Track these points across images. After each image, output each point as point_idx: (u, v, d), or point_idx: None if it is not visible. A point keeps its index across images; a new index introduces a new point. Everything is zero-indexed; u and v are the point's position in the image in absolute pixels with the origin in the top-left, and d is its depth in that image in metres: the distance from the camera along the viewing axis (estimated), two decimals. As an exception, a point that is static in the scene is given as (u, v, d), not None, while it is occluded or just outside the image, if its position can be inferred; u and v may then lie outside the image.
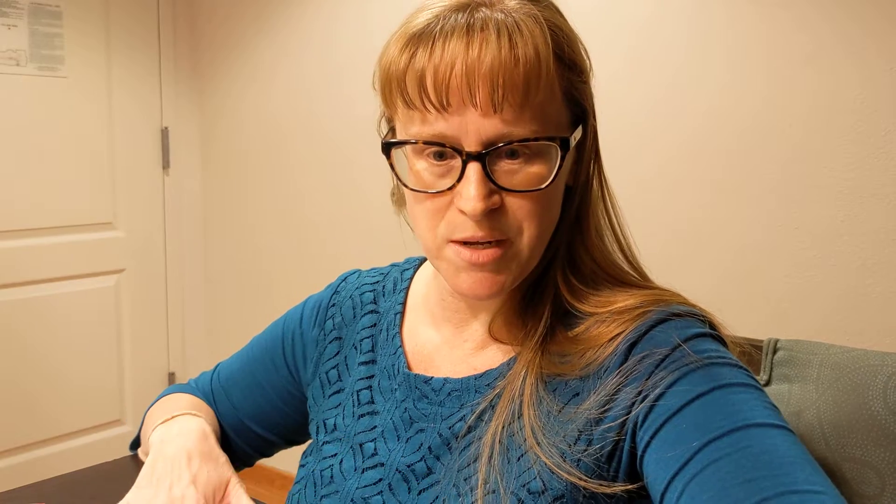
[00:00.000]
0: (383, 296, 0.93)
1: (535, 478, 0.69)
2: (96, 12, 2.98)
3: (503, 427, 0.73)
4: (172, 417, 0.94)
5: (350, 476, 0.81)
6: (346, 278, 0.99)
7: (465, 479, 0.73)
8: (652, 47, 2.03)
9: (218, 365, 1.06)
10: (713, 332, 0.73)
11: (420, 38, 0.69)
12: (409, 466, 0.78)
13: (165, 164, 3.22)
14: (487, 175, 0.69)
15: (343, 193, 2.79)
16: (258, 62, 3.04)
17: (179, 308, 3.31)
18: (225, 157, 3.22)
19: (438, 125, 0.69)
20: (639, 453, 0.67)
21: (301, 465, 0.89)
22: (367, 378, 0.87)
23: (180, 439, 0.89)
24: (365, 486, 0.80)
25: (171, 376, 3.27)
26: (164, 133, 3.20)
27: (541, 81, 0.68)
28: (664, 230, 2.02)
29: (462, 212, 0.70)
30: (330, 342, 0.93)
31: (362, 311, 0.92)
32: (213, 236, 3.31)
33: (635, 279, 0.80)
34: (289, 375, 0.98)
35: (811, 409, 0.85)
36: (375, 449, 0.82)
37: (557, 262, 0.78)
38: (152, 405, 1.04)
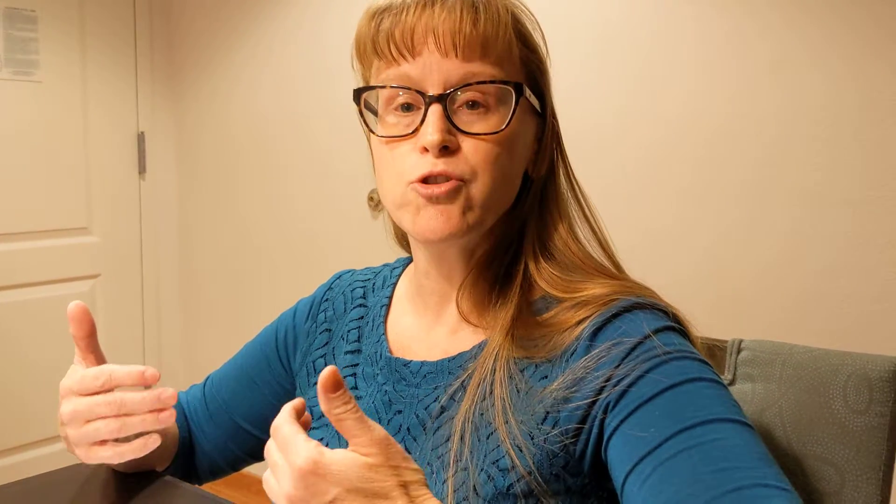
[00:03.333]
0: (372, 291, 0.97)
1: (504, 455, 0.72)
2: (72, 17, 2.97)
3: (474, 406, 0.76)
4: None
5: None
6: (340, 276, 1.04)
7: (438, 458, 0.76)
8: (619, 53, 2.06)
9: (209, 376, 1.09)
10: (678, 327, 0.76)
11: (386, 10, 0.78)
12: None
13: (141, 169, 3.21)
14: (447, 116, 0.75)
15: (321, 199, 2.80)
16: (235, 67, 3.04)
17: (155, 314, 3.30)
18: (201, 162, 3.22)
19: (405, 68, 0.76)
20: (605, 436, 0.70)
21: None
22: (352, 366, 0.91)
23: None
24: None
25: (147, 382, 3.25)
26: (141, 138, 3.19)
27: (499, 39, 0.76)
28: (630, 233, 2.05)
29: (423, 149, 0.75)
30: (320, 333, 0.97)
31: (352, 305, 0.97)
32: (190, 242, 3.30)
33: (609, 269, 0.83)
34: (281, 369, 1.01)
35: (774, 407, 0.87)
36: None
37: (528, 247, 0.82)
38: None
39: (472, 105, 0.76)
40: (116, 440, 0.80)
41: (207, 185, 3.21)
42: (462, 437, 0.74)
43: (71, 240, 3.03)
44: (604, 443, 0.70)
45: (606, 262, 0.84)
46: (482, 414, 0.75)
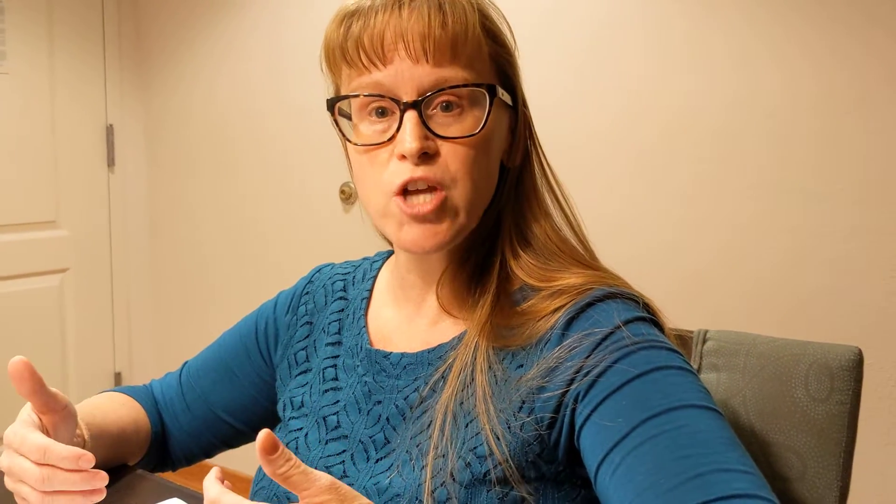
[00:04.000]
0: (353, 284, 0.98)
1: (482, 443, 0.73)
2: (39, 7, 2.93)
3: (454, 396, 0.77)
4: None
5: (314, 447, 0.86)
6: (320, 269, 1.05)
7: (417, 446, 0.77)
8: (574, 41, 2.07)
9: (185, 363, 1.08)
10: (650, 317, 0.77)
11: (354, 14, 0.78)
12: (370, 438, 0.82)
13: (110, 162, 3.18)
14: (423, 122, 0.76)
15: (290, 193, 2.79)
16: (205, 58, 3.01)
17: (125, 307, 3.27)
18: (171, 154, 3.19)
19: (377, 76, 0.77)
20: (577, 426, 0.72)
21: None
22: (332, 357, 0.92)
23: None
24: (328, 456, 0.84)
25: (118, 377, 3.23)
26: (109, 130, 3.16)
27: (468, 39, 0.76)
28: (588, 223, 2.06)
29: (401, 157, 0.76)
30: (301, 326, 0.98)
31: (333, 298, 0.98)
32: (159, 235, 3.28)
33: (584, 258, 0.85)
34: (261, 361, 1.01)
35: (738, 396, 0.89)
36: (339, 422, 0.86)
37: (505, 237, 0.83)
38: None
39: (447, 107, 0.77)
40: None
41: (177, 178, 3.18)
42: (441, 426, 0.76)
43: (39, 233, 2.99)
44: (576, 432, 0.72)
45: (580, 249, 0.86)
46: (462, 403, 0.76)
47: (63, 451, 0.75)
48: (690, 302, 1.96)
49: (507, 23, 0.84)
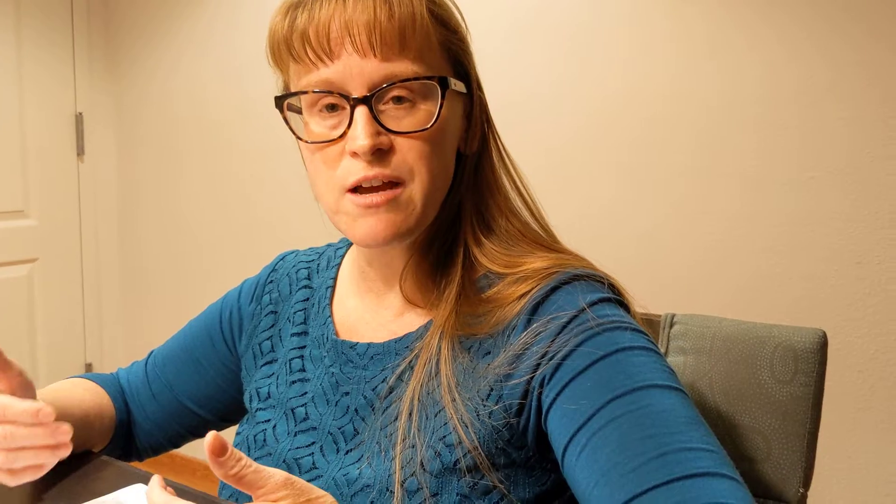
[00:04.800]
0: (317, 272, 0.97)
1: (451, 431, 0.73)
2: (5, -7, 2.89)
3: (421, 385, 0.77)
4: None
5: (283, 439, 0.85)
6: (284, 257, 1.03)
7: (387, 437, 0.77)
8: (558, 33, 2.08)
9: (151, 352, 1.08)
10: (616, 297, 0.77)
11: (299, 5, 0.75)
12: (339, 429, 0.82)
13: (80, 151, 3.14)
14: (375, 118, 0.74)
15: (262, 182, 2.77)
16: (176, 47, 2.98)
17: (95, 297, 3.23)
18: (141, 143, 3.16)
19: (324, 73, 0.74)
20: (544, 410, 0.72)
21: (237, 434, 0.92)
22: (299, 348, 0.91)
23: None
24: (297, 448, 0.83)
25: (88, 367, 3.19)
26: (79, 118, 3.12)
27: (416, 29, 0.74)
28: (568, 212, 2.07)
29: (354, 154, 0.74)
30: (265, 315, 0.97)
31: (297, 287, 0.97)
32: (129, 224, 3.25)
33: (546, 240, 0.84)
34: (226, 350, 1.01)
35: (704, 379, 0.89)
36: (307, 413, 0.85)
37: (467, 225, 0.82)
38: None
39: (399, 100, 0.75)
40: (11, 469, 0.78)
41: (148, 167, 3.15)
42: (410, 416, 0.75)
43: (7, 223, 2.95)
44: (543, 417, 0.72)
45: (542, 233, 0.85)
46: (430, 393, 0.76)
47: (21, 405, 0.75)
48: (668, 292, 1.97)
49: (457, 5, 0.82)
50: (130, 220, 3.24)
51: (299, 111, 0.80)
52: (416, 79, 0.74)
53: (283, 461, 0.83)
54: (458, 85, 0.79)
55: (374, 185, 0.75)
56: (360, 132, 0.73)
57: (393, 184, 0.75)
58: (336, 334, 0.88)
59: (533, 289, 0.76)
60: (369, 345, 0.84)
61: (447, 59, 0.79)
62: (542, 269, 0.78)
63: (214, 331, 1.02)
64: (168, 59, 3.01)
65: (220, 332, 1.01)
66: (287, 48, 0.76)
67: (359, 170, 0.74)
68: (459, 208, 0.83)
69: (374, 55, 0.73)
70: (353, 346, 0.85)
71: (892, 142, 1.69)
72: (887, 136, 1.69)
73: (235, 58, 2.80)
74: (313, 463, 0.81)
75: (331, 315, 0.90)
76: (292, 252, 1.04)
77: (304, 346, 0.91)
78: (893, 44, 1.68)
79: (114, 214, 3.27)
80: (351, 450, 0.80)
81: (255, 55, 2.73)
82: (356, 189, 0.75)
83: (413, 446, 0.74)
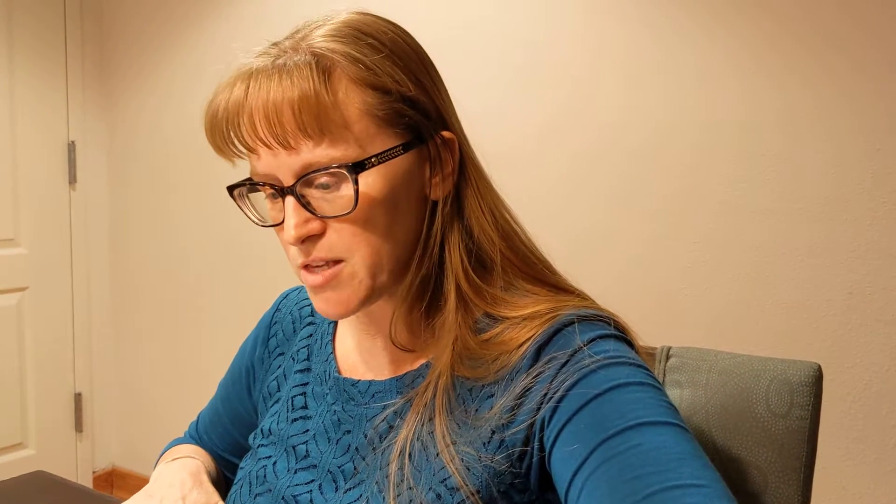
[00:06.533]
0: None
1: (452, 474, 0.72)
2: (-1, 23, 2.90)
3: (422, 425, 0.76)
4: (174, 459, 0.99)
5: (283, 476, 0.85)
6: (286, 296, 1.03)
7: (386, 477, 0.76)
8: (550, 64, 2.10)
9: (199, 413, 1.11)
10: (617, 334, 0.76)
11: (210, 112, 0.78)
12: (339, 467, 0.81)
13: (72, 179, 3.14)
14: (303, 205, 0.73)
15: (257, 209, 2.77)
16: (169, 77, 2.99)
17: (86, 327, 3.21)
18: (134, 172, 3.16)
19: (257, 165, 0.75)
20: (546, 452, 0.71)
21: (240, 468, 0.92)
22: (301, 385, 0.91)
23: (177, 469, 0.94)
24: (296, 485, 0.83)
25: (78, 397, 3.17)
26: (71, 147, 3.12)
27: (322, 113, 0.71)
28: (560, 240, 2.08)
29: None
30: (274, 358, 0.98)
31: (301, 325, 0.97)
32: (121, 254, 3.24)
33: (548, 276, 0.83)
34: (250, 403, 1.02)
35: (700, 412, 0.90)
36: (308, 451, 0.85)
37: (456, 267, 0.79)
38: (158, 458, 1.08)
39: (324, 185, 0.73)
40: None
41: (141, 196, 3.15)
42: (409, 456, 0.75)
43: (-3, 251, 2.94)
44: (546, 459, 0.71)
45: (541, 267, 0.83)
46: (431, 433, 0.75)
47: None
48: (655, 319, 1.98)
49: (406, 44, 0.78)
50: (122, 248, 3.23)
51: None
52: (324, 169, 0.71)
53: (283, 497, 0.83)
54: (392, 153, 0.74)
55: (317, 264, 0.75)
56: (288, 223, 0.73)
57: (334, 262, 0.75)
58: (338, 371, 0.88)
59: (537, 332, 0.75)
60: (371, 382, 0.84)
61: (382, 122, 0.74)
62: (544, 311, 0.76)
63: (242, 388, 1.03)
64: (161, 88, 3.02)
65: (246, 388, 1.02)
66: (217, 149, 0.78)
67: (300, 255, 0.76)
68: (443, 252, 0.80)
69: (285, 148, 0.72)
70: (355, 383, 0.85)
71: (879, 173, 1.70)
72: (873, 169, 1.71)
73: (229, 87, 2.81)
74: (311, 500, 0.81)
75: (333, 352, 0.90)
76: (295, 289, 1.03)
77: (307, 383, 0.90)
78: (876, 75, 1.70)
79: (105, 243, 3.26)
80: (350, 488, 0.79)
81: (248, 85, 2.74)
82: (307, 265, 0.76)
83: (412, 488, 0.73)
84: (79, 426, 3.19)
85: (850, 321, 1.75)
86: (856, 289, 1.74)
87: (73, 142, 3.12)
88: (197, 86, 2.91)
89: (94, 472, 3.25)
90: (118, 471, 3.29)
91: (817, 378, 0.86)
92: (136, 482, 3.20)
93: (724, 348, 0.94)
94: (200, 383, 2.95)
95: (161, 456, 1.08)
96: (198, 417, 1.11)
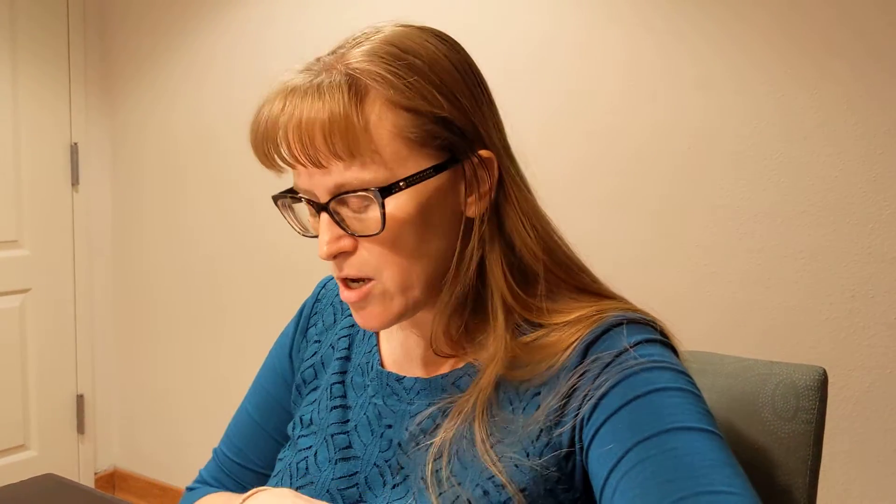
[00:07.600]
0: None
1: (500, 472, 0.73)
2: (2, 25, 2.89)
3: (467, 425, 0.76)
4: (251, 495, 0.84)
5: (325, 467, 0.85)
6: (325, 284, 1.02)
7: (431, 474, 0.76)
8: (547, 68, 2.10)
9: (223, 439, 1.04)
10: (663, 339, 0.77)
11: (254, 127, 0.79)
12: (385, 462, 0.82)
13: (75, 181, 3.14)
14: (337, 222, 0.75)
15: (256, 213, 2.77)
16: (172, 79, 3.00)
17: (88, 329, 3.22)
18: (137, 174, 3.16)
19: (298, 180, 0.77)
20: (585, 450, 0.72)
21: (279, 460, 0.91)
22: (340, 373, 0.91)
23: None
24: (340, 478, 0.83)
25: (80, 399, 3.17)
26: (74, 149, 3.12)
27: (356, 136, 0.71)
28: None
29: None
30: (310, 345, 0.97)
31: (343, 315, 0.97)
32: (123, 256, 3.24)
33: (591, 286, 0.84)
34: (289, 398, 0.99)
35: (707, 416, 0.90)
36: (350, 442, 0.85)
37: (499, 279, 0.79)
38: None
39: (355, 205, 0.75)
40: None
41: (144, 198, 3.15)
42: (457, 453, 0.75)
43: (0, 253, 2.94)
44: (584, 457, 0.72)
45: (585, 277, 0.84)
46: (475, 433, 0.76)
47: None
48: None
49: (446, 56, 0.78)
50: (124, 250, 3.24)
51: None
52: (354, 191, 0.73)
53: (327, 491, 0.83)
54: (423, 175, 0.74)
55: (351, 279, 0.77)
56: (321, 239, 0.75)
57: (365, 279, 0.77)
58: (381, 364, 0.88)
59: (583, 334, 0.76)
60: (416, 379, 0.84)
61: (414, 144, 0.74)
62: (591, 314, 0.78)
63: (280, 382, 1.00)
64: (163, 92, 3.02)
65: (284, 382, 0.99)
66: (263, 162, 0.79)
67: (335, 269, 0.78)
68: (483, 267, 0.79)
69: (318, 166, 0.73)
70: (400, 379, 0.85)
71: (880, 178, 1.71)
72: (875, 173, 1.71)
73: (230, 91, 2.82)
74: (360, 495, 0.81)
75: (377, 344, 0.90)
76: (331, 277, 1.01)
77: (346, 372, 0.91)
78: (876, 79, 1.70)
79: (108, 245, 3.27)
80: (397, 484, 0.80)
81: (254, 86, 2.74)
82: (344, 280, 0.78)
83: (460, 484, 0.74)
84: (81, 428, 3.19)
85: (853, 324, 1.75)
86: (858, 292, 1.75)
87: (75, 144, 3.13)
88: (199, 89, 2.91)
89: (95, 474, 3.25)
90: (120, 472, 3.29)
91: (823, 382, 0.86)
92: (138, 484, 3.20)
93: (727, 352, 0.95)
94: (202, 384, 2.96)
95: None
96: (221, 444, 1.04)
